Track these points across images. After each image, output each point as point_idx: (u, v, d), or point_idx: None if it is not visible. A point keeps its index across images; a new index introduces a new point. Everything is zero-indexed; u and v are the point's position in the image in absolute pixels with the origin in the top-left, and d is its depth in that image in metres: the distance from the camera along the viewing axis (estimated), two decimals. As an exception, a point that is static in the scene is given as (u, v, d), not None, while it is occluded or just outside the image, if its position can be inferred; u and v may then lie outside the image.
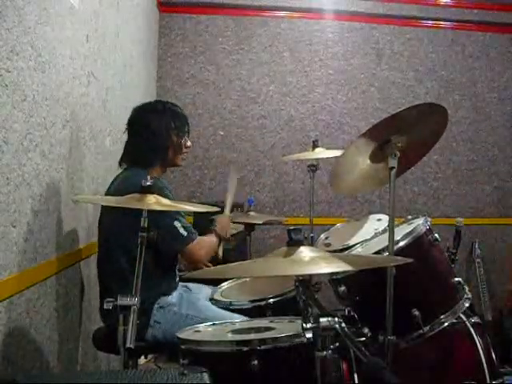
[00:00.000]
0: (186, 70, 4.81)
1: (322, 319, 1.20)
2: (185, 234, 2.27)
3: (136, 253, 1.90)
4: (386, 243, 1.97)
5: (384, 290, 1.90)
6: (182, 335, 1.85)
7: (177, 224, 2.26)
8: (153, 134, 2.39)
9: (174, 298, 2.34)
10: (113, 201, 1.99)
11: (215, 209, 2.17)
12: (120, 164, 2.48)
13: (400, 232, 2.13)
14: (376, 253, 2.09)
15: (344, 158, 2.12)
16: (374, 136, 1.98)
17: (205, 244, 2.39)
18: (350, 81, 4.97)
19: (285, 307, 2.21)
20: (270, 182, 4.87)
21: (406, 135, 1.95)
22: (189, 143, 2.50)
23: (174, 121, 2.44)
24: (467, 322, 2.22)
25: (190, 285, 2.52)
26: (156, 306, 2.27)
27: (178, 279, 2.47)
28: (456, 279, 2.13)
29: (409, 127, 1.96)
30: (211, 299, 2.40)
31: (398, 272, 1.90)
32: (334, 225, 2.98)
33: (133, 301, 1.63)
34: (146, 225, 1.77)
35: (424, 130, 2.02)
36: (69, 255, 2.34)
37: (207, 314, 2.24)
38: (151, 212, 1.89)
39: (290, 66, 4.93)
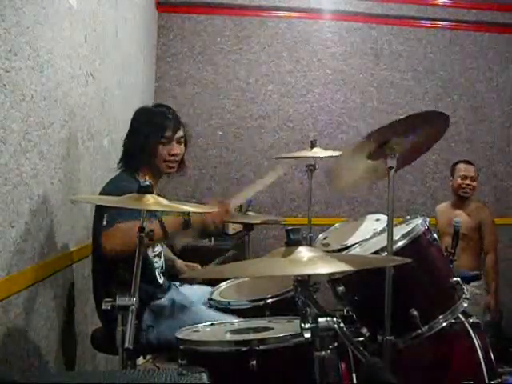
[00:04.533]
0: (184, 70, 4.81)
1: (320, 319, 1.20)
2: (104, 223, 2.09)
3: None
4: (385, 243, 1.97)
5: (382, 290, 1.90)
6: (181, 335, 1.85)
7: (105, 215, 2.09)
8: (133, 137, 2.38)
9: (165, 301, 2.32)
10: (111, 201, 1.99)
11: (214, 209, 2.16)
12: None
13: (398, 232, 2.13)
14: (374, 253, 2.09)
15: (342, 158, 2.12)
16: (373, 137, 1.98)
17: (122, 232, 2.03)
18: (348, 81, 4.97)
19: (283, 307, 2.21)
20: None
21: (405, 138, 1.95)
22: (174, 150, 2.37)
23: (155, 125, 2.35)
24: (466, 322, 2.22)
25: (184, 286, 2.51)
26: (147, 310, 2.25)
27: (167, 282, 2.46)
28: (454, 279, 2.13)
29: (409, 131, 1.96)
30: (210, 299, 2.40)
31: (397, 272, 1.90)
32: (333, 225, 2.98)
33: (131, 301, 1.63)
34: (144, 225, 1.77)
35: (424, 134, 2.02)
36: (67, 255, 2.34)
37: (201, 316, 2.21)
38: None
39: (288, 66, 4.93)
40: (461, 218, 3.81)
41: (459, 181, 4.02)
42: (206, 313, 2.28)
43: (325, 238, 2.80)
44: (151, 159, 2.36)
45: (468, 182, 4.00)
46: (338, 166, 2.19)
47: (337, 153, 2.43)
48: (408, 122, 1.94)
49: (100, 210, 2.19)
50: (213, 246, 4.00)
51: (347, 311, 2.29)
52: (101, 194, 2.31)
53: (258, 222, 3.05)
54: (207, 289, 2.54)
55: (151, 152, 2.34)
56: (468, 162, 4.09)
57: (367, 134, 1.96)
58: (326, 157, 3.05)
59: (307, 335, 1.24)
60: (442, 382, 2.17)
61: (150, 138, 2.33)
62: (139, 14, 3.92)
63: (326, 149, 3.19)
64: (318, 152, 3.11)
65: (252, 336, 1.81)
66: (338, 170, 2.22)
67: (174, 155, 2.38)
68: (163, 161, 2.36)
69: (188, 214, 2.08)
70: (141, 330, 2.19)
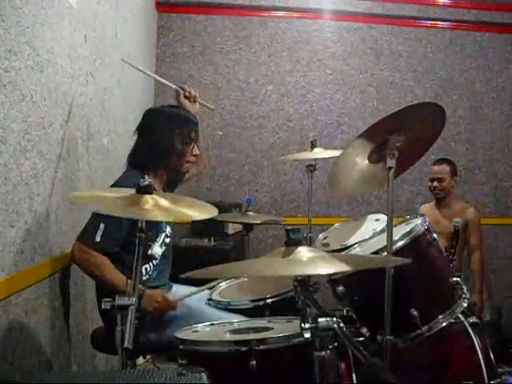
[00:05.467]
0: (184, 70, 4.82)
1: (320, 319, 1.20)
2: (97, 238, 2.14)
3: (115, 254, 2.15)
4: (385, 243, 1.97)
5: (382, 290, 1.90)
6: (181, 335, 1.85)
7: (101, 226, 2.14)
8: (156, 138, 2.36)
9: None
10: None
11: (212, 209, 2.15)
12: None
13: (398, 232, 2.13)
14: (374, 253, 2.09)
15: (342, 159, 2.11)
16: (372, 136, 1.98)
17: (97, 263, 2.16)
18: (348, 81, 4.98)
19: (283, 307, 2.21)
20: (268, 182, 4.87)
21: (403, 135, 1.95)
22: (196, 151, 2.43)
23: (180, 127, 2.38)
24: (465, 322, 2.22)
25: (182, 287, 2.50)
26: None
27: (169, 283, 2.46)
28: (454, 279, 2.13)
29: (407, 127, 1.96)
30: (209, 299, 2.40)
31: (397, 272, 1.90)
32: (333, 225, 2.98)
33: (131, 300, 1.63)
34: (143, 225, 1.77)
35: (422, 130, 2.02)
36: (67, 255, 2.34)
37: (201, 314, 2.22)
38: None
39: (288, 66, 4.93)
40: (446, 218, 3.87)
41: (429, 183, 4.09)
42: (206, 310, 2.28)
43: (325, 238, 2.80)
44: (176, 160, 2.38)
45: (435, 184, 4.04)
46: (338, 170, 2.19)
47: (338, 153, 2.43)
48: (403, 116, 1.94)
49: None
50: (213, 246, 4.00)
51: (347, 311, 2.28)
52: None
53: (258, 222, 3.05)
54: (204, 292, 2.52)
55: (181, 153, 2.38)
56: (441, 162, 4.09)
57: (363, 131, 1.96)
58: (327, 158, 3.05)
59: (307, 335, 1.24)
60: (441, 382, 2.17)
61: (183, 139, 2.37)
62: (139, 14, 3.92)
63: (326, 149, 3.19)
64: (318, 152, 3.11)
65: (252, 336, 1.81)
66: (338, 174, 2.22)
67: (195, 155, 2.44)
68: (187, 162, 2.42)
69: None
70: (141, 328, 2.19)
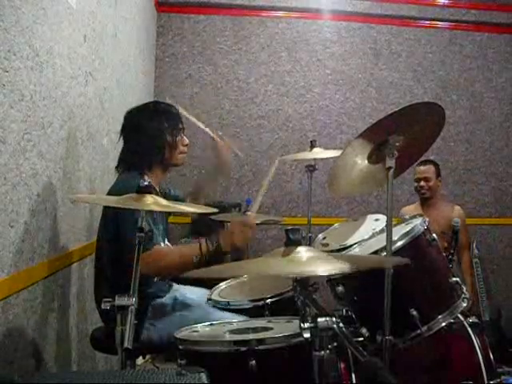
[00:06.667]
0: (183, 70, 4.82)
1: (319, 319, 1.20)
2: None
3: (118, 256, 2.08)
4: (384, 243, 1.96)
5: (382, 290, 1.90)
6: (180, 335, 1.85)
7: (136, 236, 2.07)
8: (146, 136, 2.33)
9: (167, 299, 2.32)
10: (110, 201, 1.98)
11: (212, 209, 2.15)
12: (117, 169, 2.39)
13: (398, 232, 2.13)
14: (374, 253, 2.09)
15: (342, 159, 2.11)
16: (372, 136, 1.98)
17: (160, 259, 2.07)
18: (347, 81, 4.98)
19: (283, 307, 2.21)
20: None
21: (403, 135, 1.95)
22: (186, 141, 2.44)
23: (167, 120, 2.37)
24: (465, 322, 2.22)
25: (184, 287, 2.50)
26: (149, 308, 2.25)
27: (170, 282, 2.46)
28: (454, 279, 2.13)
29: (406, 127, 1.96)
30: (209, 299, 2.40)
31: (396, 272, 1.90)
32: (332, 225, 2.98)
33: (130, 301, 1.63)
34: (143, 225, 1.77)
35: (421, 130, 2.02)
36: (66, 255, 2.34)
37: (202, 313, 2.22)
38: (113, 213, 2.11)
39: (287, 66, 4.93)
40: (433, 218, 3.88)
41: (415, 184, 4.14)
42: (207, 309, 2.28)
43: (324, 238, 2.80)
44: (170, 153, 2.38)
45: (422, 183, 4.09)
46: (338, 170, 2.19)
47: (337, 153, 2.42)
48: (402, 116, 1.95)
49: (123, 221, 2.09)
50: (212, 246, 3.99)
51: (346, 311, 2.29)
52: (111, 193, 2.27)
53: (258, 222, 3.05)
54: (205, 290, 2.53)
55: (173, 145, 2.38)
56: (425, 162, 4.10)
57: (363, 131, 1.97)
58: (326, 158, 3.05)
59: (306, 335, 1.24)
60: (441, 382, 2.17)
61: (173, 131, 2.37)
62: (138, 14, 3.92)
63: (325, 149, 3.19)
64: (318, 152, 3.11)
65: (251, 336, 1.81)
66: (337, 174, 2.22)
67: (186, 145, 2.45)
68: (179, 153, 2.42)
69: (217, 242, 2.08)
70: (142, 328, 2.20)
